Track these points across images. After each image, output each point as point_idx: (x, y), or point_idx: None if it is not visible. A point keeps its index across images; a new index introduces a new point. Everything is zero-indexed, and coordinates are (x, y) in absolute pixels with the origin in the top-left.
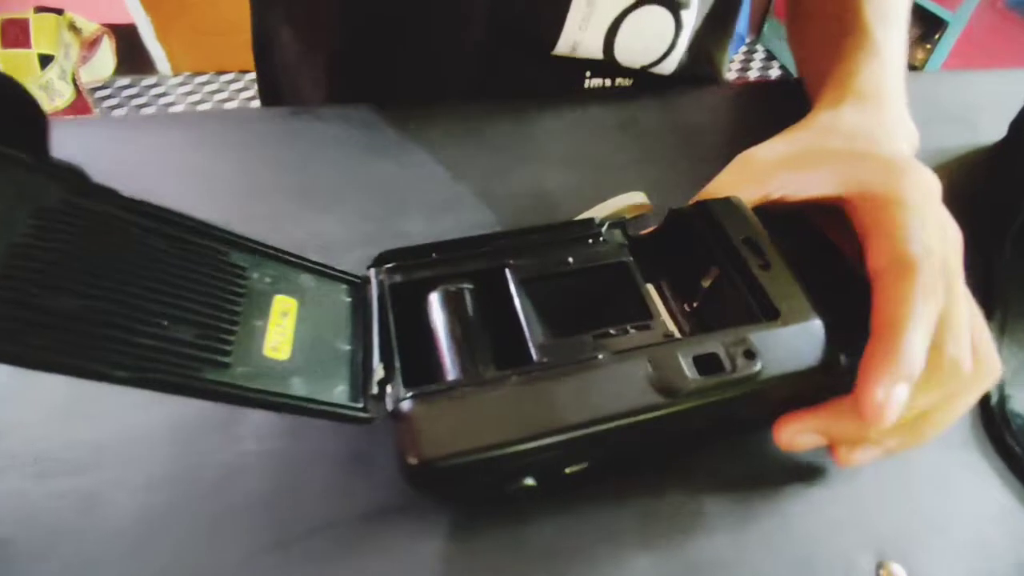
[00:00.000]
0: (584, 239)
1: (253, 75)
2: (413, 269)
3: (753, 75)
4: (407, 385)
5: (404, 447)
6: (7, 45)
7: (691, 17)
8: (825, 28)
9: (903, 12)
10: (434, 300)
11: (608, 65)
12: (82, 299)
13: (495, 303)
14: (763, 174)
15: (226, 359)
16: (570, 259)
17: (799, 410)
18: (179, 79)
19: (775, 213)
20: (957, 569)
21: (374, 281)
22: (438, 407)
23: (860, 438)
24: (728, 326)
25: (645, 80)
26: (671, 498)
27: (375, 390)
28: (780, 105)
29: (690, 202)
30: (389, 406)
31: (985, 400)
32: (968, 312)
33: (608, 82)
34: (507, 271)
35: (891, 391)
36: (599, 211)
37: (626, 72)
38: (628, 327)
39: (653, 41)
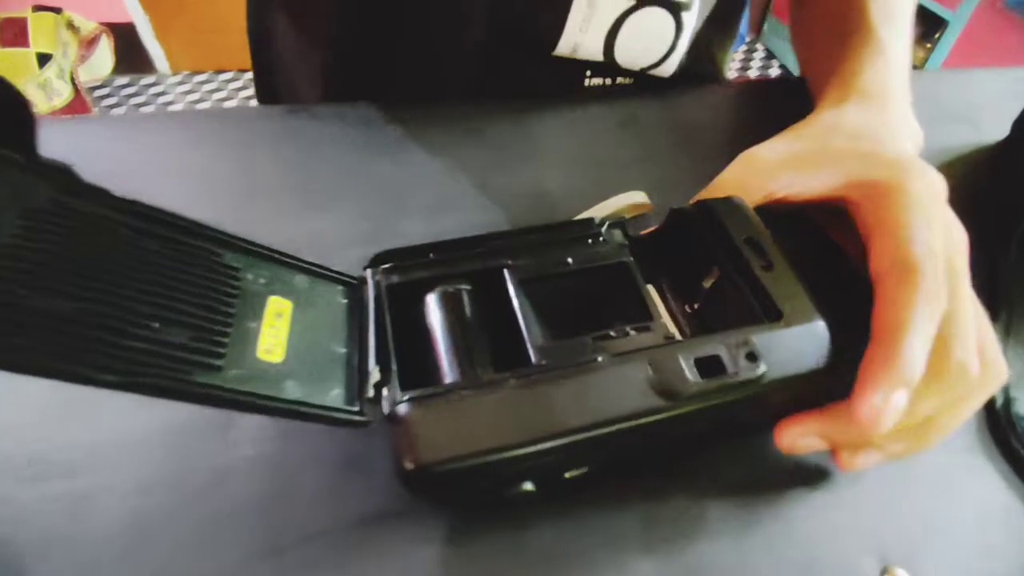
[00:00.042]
0: (584, 239)
1: (251, 74)
2: (410, 270)
3: (753, 74)
4: (404, 388)
5: (401, 451)
6: (5, 44)
7: (691, 18)
8: (829, 26)
9: (908, 11)
10: (431, 301)
11: (608, 66)
12: (71, 301)
13: (493, 304)
14: (766, 173)
15: (218, 362)
16: (569, 259)
17: (801, 413)
18: (178, 78)
19: (777, 213)
20: (962, 574)
21: (370, 282)
22: (435, 411)
23: (863, 442)
24: (730, 327)
25: (645, 80)
26: (673, 502)
27: (371, 393)
28: (782, 104)
29: (691, 201)
30: (385, 409)
31: (990, 403)
32: (974, 315)
33: (608, 81)
34: (505, 272)
35: (888, 397)
36: (599, 211)
37: (626, 73)
38: (628, 329)
39: (653, 43)
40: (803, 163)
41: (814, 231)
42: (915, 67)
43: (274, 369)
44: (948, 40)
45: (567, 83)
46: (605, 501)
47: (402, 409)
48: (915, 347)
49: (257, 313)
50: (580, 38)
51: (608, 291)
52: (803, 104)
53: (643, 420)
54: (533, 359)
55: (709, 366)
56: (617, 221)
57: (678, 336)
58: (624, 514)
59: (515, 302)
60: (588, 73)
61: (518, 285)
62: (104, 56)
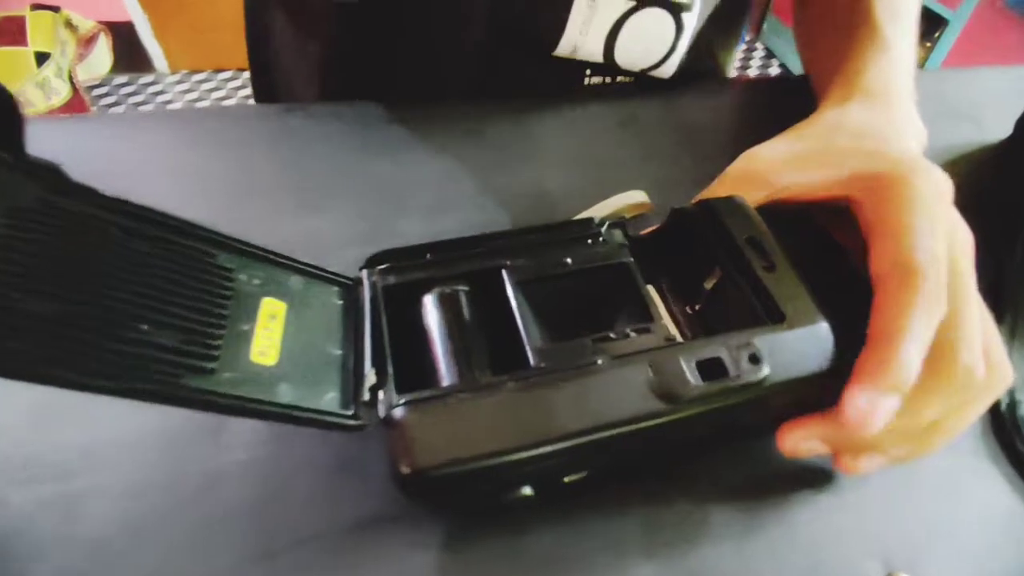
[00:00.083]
0: (583, 239)
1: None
2: (407, 270)
3: (752, 73)
4: (400, 391)
5: (397, 455)
6: (3, 43)
7: (692, 19)
8: (834, 24)
9: (913, 9)
10: (428, 302)
11: (608, 67)
12: (58, 303)
13: (491, 305)
14: (768, 173)
15: (211, 365)
16: (569, 260)
17: (803, 417)
18: (176, 77)
19: (780, 213)
20: None
21: (366, 283)
22: (432, 414)
23: (865, 446)
24: (731, 329)
25: (646, 80)
26: (674, 506)
27: (367, 396)
28: (784, 103)
29: (692, 201)
30: (381, 413)
31: (995, 406)
32: (979, 317)
33: (608, 79)
34: (504, 272)
35: (877, 400)
36: (598, 210)
37: (626, 74)
38: (628, 330)
39: (653, 44)
40: (806, 162)
41: (817, 231)
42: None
43: (267, 372)
44: (948, 39)
45: (567, 83)
46: (605, 505)
47: (398, 412)
48: (909, 352)
49: (250, 315)
50: (580, 40)
51: (608, 292)
52: (805, 103)
53: (644, 424)
54: (532, 361)
55: (711, 369)
56: (617, 221)
57: (679, 338)
58: (624, 518)
59: (513, 303)
60: (588, 72)
61: (516, 286)
62: (102, 55)
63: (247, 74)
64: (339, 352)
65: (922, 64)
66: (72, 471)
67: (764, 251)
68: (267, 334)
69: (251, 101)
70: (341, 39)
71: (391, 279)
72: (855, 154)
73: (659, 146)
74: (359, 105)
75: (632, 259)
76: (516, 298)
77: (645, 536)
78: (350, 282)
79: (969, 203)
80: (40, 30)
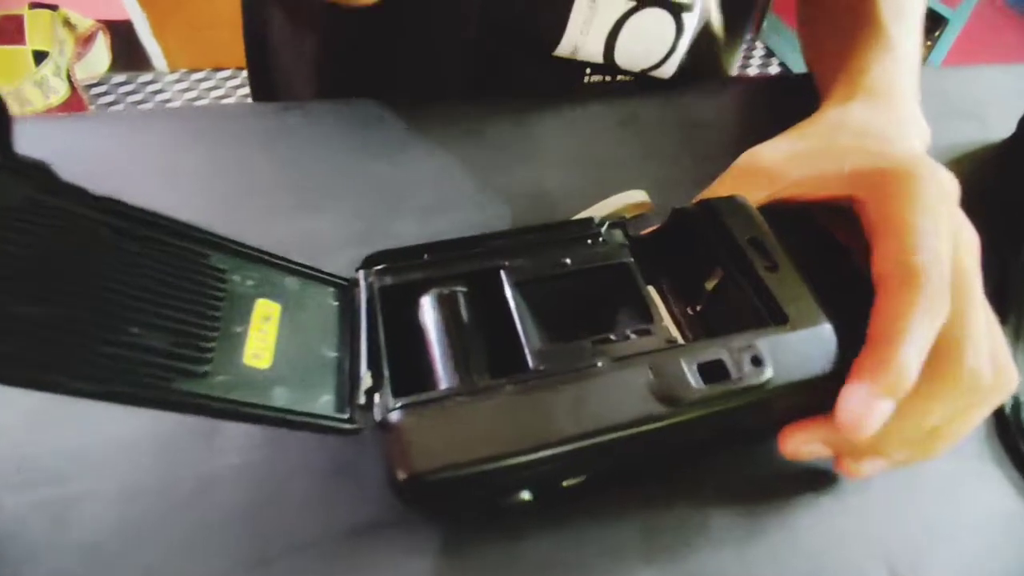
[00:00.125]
0: (583, 239)
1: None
2: (403, 271)
3: (752, 72)
4: (396, 394)
5: (393, 460)
6: (1, 42)
7: (693, 20)
8: (838, 21)
9: (919, 8)
10: (425, 304)
11: (608, 67)
12: (47, 305)
13: (489, 307)
14: (770, 172)
15: (203, 369)
16: (568, 260)
17: (806, 419)
18: (175, 76)
19: (782, 212)
20: None
21: (363, 284)
22: (429, 418)
23: (868, 449)
24: (733, 331)
25: (646, 79)
26: (674, 510)
27: (362, 400)
28: (786, 102)
29: (693, 201)
30: (377, 416)
31: (999, 408)
32: (985, 319)
33: (608, 77)
34: (502, 273)
35: (870, 404)
36: (598, 210)
37: (626, 74)
38: (629, 332)
39: (654, 44)
40: (808, 162)
41: (818, 231)
42: None
43: (261, 375)
44: (948, 38)
45: (567, 83)
46: (604, 510)
47: (394, 416)
48: (908, 355)
49: (244, 317)
50: (581, 40)
51: (608, 293)
52: (807, 102)
53: (644, 428)
54: (530, 364)
55: (712, 371)
56: (617, 221)
57: (680, 340)
58: (624, 523)
59: (512, 305)
60: (587, 71)
61: (515, 287)
62: (100, 53)
63: (246, 73)
64: (335, 354)
65: (922, 62)
66: (65, 475)
67: (766, 251)
68: (261, 336)
69: (250, 100)
70: (338, 35)
71: (388, 280)
72: (858, 153)
73: (659, 145)
74: (357, 103)
75: (632, 259)
76: (515, 299)
77: (644, 541)
78: (346, 283)
79: (973, 203)
80: (38, 29)
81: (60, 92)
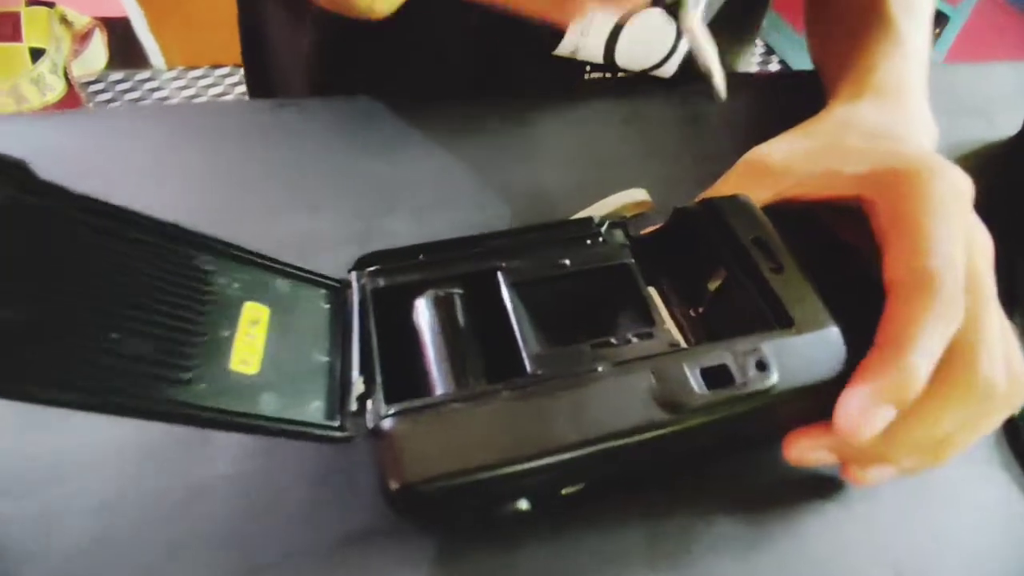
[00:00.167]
0: (582, 239)
1: None
2: (397, 272)
3: (751, 70)
4: (389, 400)
5: (385, 469)
6: None
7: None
8: (846, 16)
9: (929, 4)
10: (420, 306)
11: (608, 67)
12: (19, 308)
13: (486, 309)
14: (776, 171)
15: (186, 375)
16: (567, 261)
17: (811, 425)
18: (173, 73)
19: (786, 213)
20: None
21: (355, 285)
22: (423, 425)
23: (875, 456)
24: (737, 333)
25: (648, 77)
26: (677, 518)
27: (354, 406)
28: (792, 99)
29: (696, 200)
30: (369, 423)
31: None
32: (1000, 325)
33: (608, 74)
34: (499, 274)
35: (870, 411)
36: (598, 209)
37: (626, 73)
38: (630, 335)
39: (654, 45)
40: (815, 161)
41: (824, 231)
42: None
43: (248, 382)
44: (949, 35)
45: (567, 82)
46: (604, 518)
47: (387, 423)
48: (916, 363)
49: (231, 321)
50: (581, 40)
51: (608, 295)
52: (813, 99)
53: (646, 435)
54: (528, 368)
55: (716, 376)
56: (617, 220)
57: (682, 343)
58: (624, 531)
59: (509, 307)
60: (588, 68)
61: (512, 289)
62: (98, 51)
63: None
64: (325, 359)
65: None
66: (48, 483)
67: (771, 252)
68: (249, 341)
69: (247, 98)
70: (335, 32)
71: (381, 282)
72: (868, 153)
73: (661, 143)
74: (354, 100)
75: (633, 260)
76: (512, 301)
77: (646, 549)
78: (338, 285)
79: (979, 201)
80: (35, 26)
81: (57, 89)
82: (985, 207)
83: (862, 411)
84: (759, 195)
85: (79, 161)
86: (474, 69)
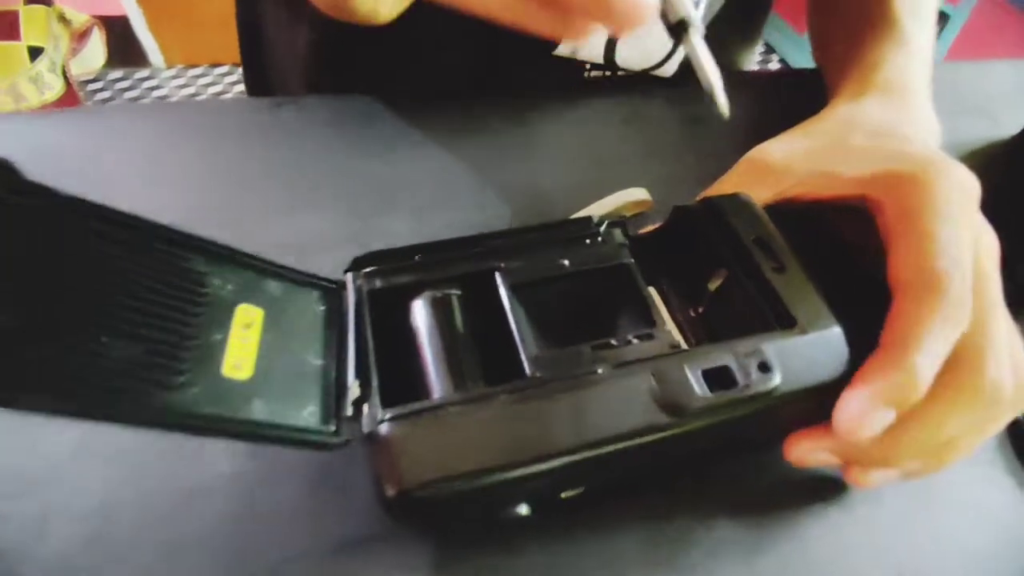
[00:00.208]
0: (581, 239)
1: None
2: (394, 274)
3: (752, 68)
4: (385, 404)
5: (382, 475)
6: None
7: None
8: (850, 13)
9: (933, 4)
10: (417, 308)
11: (608, 66)
12: (3, 312)
13: (484, 311)
14: (778, 170)
15: (177, 381)
16: (566, 261)
17: (813, 427)
18: (172, 72)
19: (788, 212)
20: None
21: (350, 287)
22: (420, 429)
23: (878, 459)
24: (738, 334)
25: (648, 78)
26: (677, 521)
27: (350, 411)
28: (794, 97)
29: (696, 198)
30: (365, 428)
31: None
32: (1007, 328)
33: (608, 72)
34: (497, 275)
35: (869, 413)
36: (597, 209)
37: (627, 72)
38: (630, 337)
39: (654, 45)
40: (819, 160)
41: (826, 230)
42: None
43: (241, 387)
44: (949, 34)
45: (567, 82)
46: (603, 521)
47: (383, 428)
48: (920, 364)
49: (224, 324)
50: (581, 41)
51: (608, 295)
52: (816, 98)
53: (647, 438)
54: (527, 371)
55: (718, 378)
56: (617, 220)
57: (683, 345)
58: (624, 535)
59: (507, 308)
60: (588, 67)
61: (511, 290)
62: (96, 49)
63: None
64: (320, 362)
65: None
66: (44, 484)
67: (772, 251)
68: (242, 344)
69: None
70: (334, 30)
71: (377, 283)
72: (873, 152)
73: (662, 143)
74: (352, 99)
75: (633, 260)
76: (510, 303)
77: (646, 553)
78: (333, 286)
79: (983, 201)
80: (33, 24)
81: (55, 88)
82: (988, 206)
83: (861, 413)
84: (760, 194)
85: (77, 159)
86: (474, 69)
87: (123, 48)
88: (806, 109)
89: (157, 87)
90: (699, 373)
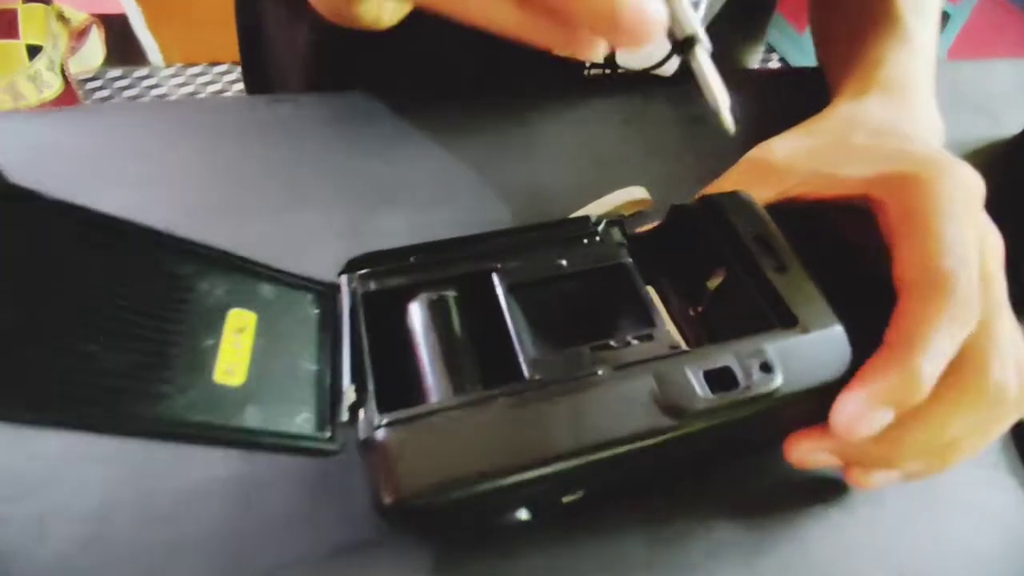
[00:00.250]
0: (579, 239)
1: None
2: (389, 275)
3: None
4: (382, 410)
5: (378, 483)
6: None
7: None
8: (852, 10)
9: (936, 3)
10: (413, 310)
11: (608, 65)
12: None
13: (481, 312)
14: (779, 170)
15: (167, 389)
16: (564, 262)
17: (813, 427)
18: (171, 70)
19: (789, 211)
20: None
21: (345, 289)
22: (417, 434)
23: (879, 460)
24: (738, 333)
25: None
26: (677, 523)
27: (345, 416)
28: (795, 96)
29: (696, 196)
30: (361, 434)
31: None
32: (1012, 328)
33: (609, 70)
34: (494, 276)
35: (868, 410)
36: (596, 208)
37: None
38: (630, 338)
39: (654, 44)
40: (821, 159)
41: (827, 229)
42: None
43: (233, 393)
44: (949, 33)
45: (567, 80)
46: (604, 524)
47: (380, 434)
48: (924, 365)
49: (215, 329)
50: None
51: (606, 295)
52: (818, 96)
53: (648, 441)
54: (526, 373)
55: (719, 379)
56: (615, 219)
57: (683, 345)
58: (625, 538)
59: (505, 310)
60: (588, 65)
61: (508, 291)
62: (95, 48)
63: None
64: (315, 367)
65: None
66: (43, 486)
67: (773, 250)
68: (234, 350)
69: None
70: (333, 29)
71: (372, 285)
72: (875, 151)
73: (663, 142)
74: (351, 96)
75: (631, 260)
76: (508, 304)
77: (647, 556)
78: (327, 289)
79: (986, 200)
80: (32, 23)
81: (54, 87)
82: (990, 206)
83: (859, 412)
84: (762, 194)
85: (76, 158)
86: (474, 68)
87: (122, 47)
88: (807, 108)
89: (156, 86)
90: (700, 374)
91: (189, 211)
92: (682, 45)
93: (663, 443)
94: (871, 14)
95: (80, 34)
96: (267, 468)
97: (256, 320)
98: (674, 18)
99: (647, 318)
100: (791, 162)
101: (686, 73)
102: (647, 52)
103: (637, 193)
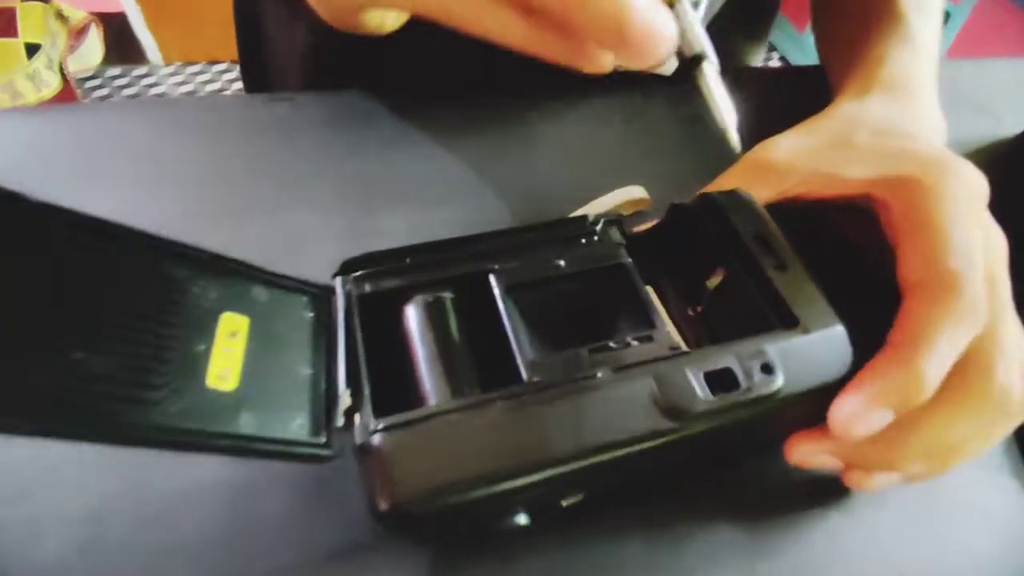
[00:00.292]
0: (577, 239)
1: None
2: (384, 277)
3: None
4: (378, 414)
5: (375, 488)
6: None
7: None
8: (855, 10)
9: (939, 1)
10: (409, 313)
11: None
12: None
13: (478, 314)
14: (780, 169)
15: (158, 395)
16: (562, 262)
17: (814, 429)
18: (170, 69)
19: (790, 211)
20: None
21: (340, 292)
22: (414, 439)
23: (880, 462)
24: (738, 333)
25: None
26: (677, 527)
27: (341, 421)
28: (797, 95)
29: (696, 195)
30: (357, 439)
31: None
32: (1017, 331)
33: None
34: (491, 277)
35: (867, 410)
36: (595, 207)
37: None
38: (629, 339)
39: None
40: (821, 158)
41: (831, 232)
42: None
43: (226, 399)
44: (950, 33)
45: (567, 81)
46: (603, 528)
47: (376, 439)
48: (928, 367)
49: (207, 333)
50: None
51: (605, 296)
52: (819, 95)
53: (648, 444)
54: (524, 375)
55: (720, 380)
56: (613, 218)
57: (683, 346)
58: (624, 540)
59: (502, 311)
60: None
61: (506, 292)
62: (93, 46)
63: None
64: (310, 371)
65: None
66: (25, 493)
67: (773, 249)
68: (227, 354)
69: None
70: (336, 35)
71: (367, 287)
72: (878, 151)
73: (662, 142)
74: (348, 95)
75: (630, 259)
76: (505, 305)
77: (646, 559)
78: (322, 291)
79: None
80: (30, 21)
81: (52, 85)
82: (992, 206)
83: (857, 412)
84: (762, 193)
85: (74, 157)
86: (473, 70)
87: (121, 45)
88: (808, 107)
89: (155, 84)
90: (701, 376)
91: (187, 210)
92: (690, 62)
93: (663, 445)
94: (873, 13)
95: (79, 32)
96: (263, 472)
97: (249, 324)
98: (683, 35)
99: (646, 319)
100: (792, 161)
101: (685, 72)
102: None
103: (636, 192)
